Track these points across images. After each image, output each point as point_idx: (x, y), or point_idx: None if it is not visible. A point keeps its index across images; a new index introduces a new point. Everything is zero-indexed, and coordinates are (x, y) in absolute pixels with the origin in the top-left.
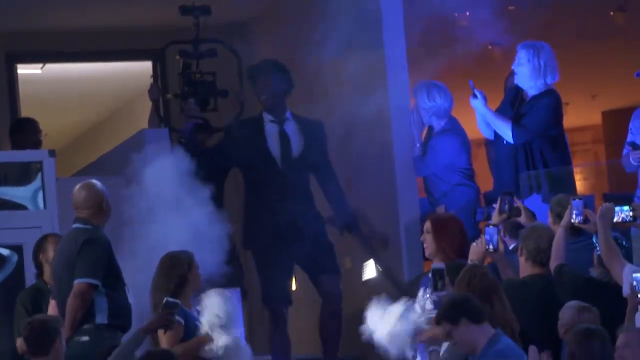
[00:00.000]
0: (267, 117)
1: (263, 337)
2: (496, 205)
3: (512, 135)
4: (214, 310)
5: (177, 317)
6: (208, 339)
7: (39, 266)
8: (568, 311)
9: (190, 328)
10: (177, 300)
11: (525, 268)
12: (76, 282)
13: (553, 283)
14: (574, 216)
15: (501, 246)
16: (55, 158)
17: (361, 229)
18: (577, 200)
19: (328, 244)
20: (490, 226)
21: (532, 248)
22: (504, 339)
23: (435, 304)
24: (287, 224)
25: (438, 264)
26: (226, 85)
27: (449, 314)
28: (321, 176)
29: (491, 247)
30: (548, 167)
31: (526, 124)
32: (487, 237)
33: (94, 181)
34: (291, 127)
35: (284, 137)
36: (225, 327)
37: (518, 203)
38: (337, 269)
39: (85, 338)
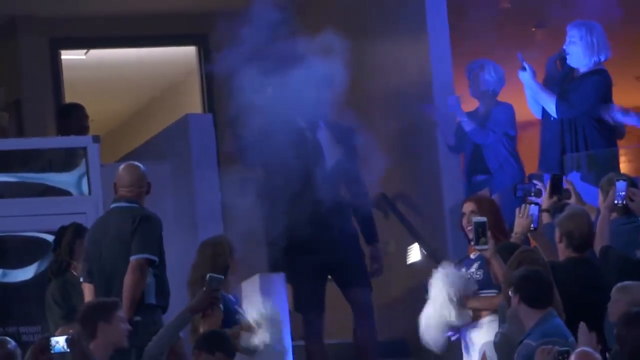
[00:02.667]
0: (301, 123)
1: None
2: (539, 185)
3: (556, 109)
4: (258, 302)
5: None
6: (252, 328)
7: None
8: (616, 295)
9: (230, 313)
10: (221, 276)
11: (565, 254)
12: (135, 257)
13: (595, 266)
14: (617, 197)
15: (541, 225)
16: (100, 144)
17: (404, 213)
18: (621, 181)
19: (361, 259)
20: (532, 204)
21: (572, 235)
22: (554, 319)
23: (479, 283)
24: (319, 237)
25: (480, 217)
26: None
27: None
28: (350, 189)
29: (532, 226)
30: (591, 148)
31: (571, 99)
32: (531, 213)
33: (138, 163)
34: (324, 136)
35: (316, 147)
36: (269, 319)
37: (568, 185)
38: (369, 283)
39: (137, 318)
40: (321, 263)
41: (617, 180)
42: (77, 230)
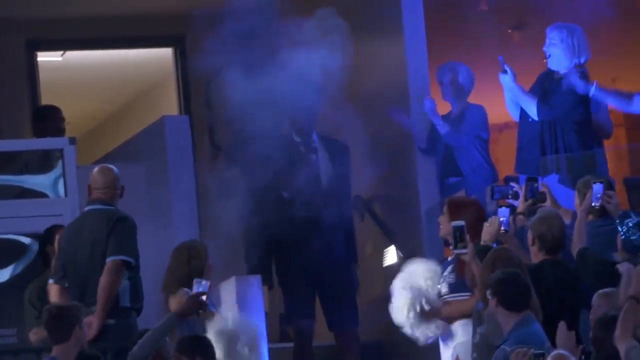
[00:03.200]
0: (295, 138)
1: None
2: (516, 187)
3: (537, 111)
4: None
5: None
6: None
7: (46, 258)
8: (596, 300)
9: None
10: (207, 280)
11: (538, 257)
12: (111, 259)
13: (568, 268)
14: (594, 199)
15: (512, 228)
16: (76, 145)
17: (380, 216)
18: (598, 183)
19: (352, 287)
20: (503, 207)
21: (544, 237)
22: (533, 324)
23: (450, 286)
24: (312, 258)
25: (458, 221)
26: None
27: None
28: (338, 208)
29: (502, 228)
30: (570, 150)
31: (552, 101)
32: (500, 218)
33: (111, 166)
34: (320, 154)
35: (313, 166)
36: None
37: (544, 188)
38: (356, 317)
39: (111, 321)
40: (312, 275)
41: (594, 182)
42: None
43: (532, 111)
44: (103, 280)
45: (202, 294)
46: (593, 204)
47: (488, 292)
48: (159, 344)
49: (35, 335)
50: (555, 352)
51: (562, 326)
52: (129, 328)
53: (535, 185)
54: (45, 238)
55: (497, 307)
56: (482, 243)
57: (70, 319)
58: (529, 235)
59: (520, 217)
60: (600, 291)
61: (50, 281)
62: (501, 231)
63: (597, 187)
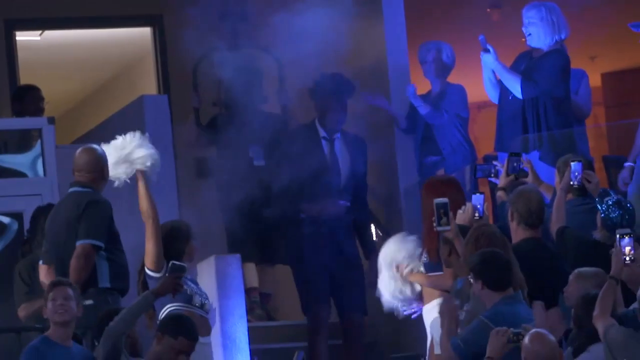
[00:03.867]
0: (320, 129)
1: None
2: (499, 166)
3: (521, 89)
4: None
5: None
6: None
7: (35, 237)
8: (573, 280)
9: (184, 295)
10: (184, 264)
11: (518, 233)
12: (79, 243)
13: (549, 248)
14: (573, 178)
15: (487, 213)
16: (55, 125)
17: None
18: (576, 162)
19: (361, 282)
20: (477, 194)
21: (523, 211)
22: (516, 303)
23: (425, 266)
24: (326, 253)
25: (442, 199)
26: (267, 90)
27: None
28: (354, 204)
29: (477, 214)
30: (552, 128)
31: (536, 78)
32: (474, 203)
33: (96, 146)
34: (340, 147)
35: (333, 158)
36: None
37: (526, 164)
38: (364, 308)
39: (89, 302)
40: (325, 273)
41: (573, 161)
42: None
43: (516, 89)
44: (71, 264)
45: (179, 275)
46: (572, 183)
47: (470, 276)
48: (135, 321)
49: (24, 310)
50: (533, 330)
51: (537, 306)
52: (109, 308)
53: (518, 160)
54: (35, 217)
55: (482, 290)
56: None
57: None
58: (509, 212)
59: (501, 192)
60: (576, 271)
61: (40, 262)
62: (475, 217)
63: (576, 166)
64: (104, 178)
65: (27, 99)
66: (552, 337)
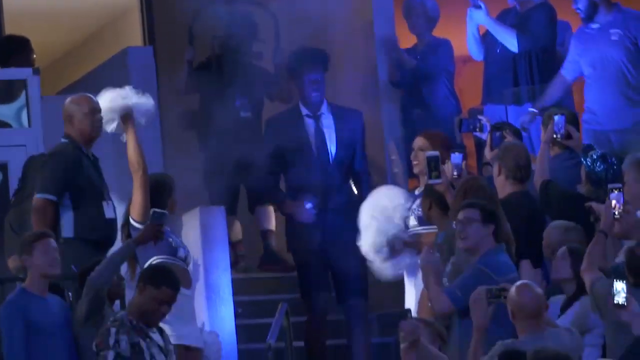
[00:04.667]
0: (303, 109)
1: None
2: (484, 120)
3: (517, 42)
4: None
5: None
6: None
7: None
8: (554, 232)
9: (164, 243)
10: (165, 211)
11: (505, 187)
12: (35, 197)
13: (536, 200)
14: (556, 131)
15: (464, 172)
16: (40, 76)
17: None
18: (559, 115)
19: (361, 264)
20: (456, 153)
21: (511, 166)
22: (502, 254)
23: (420, 219)
24: (324, 235)
25: (433, 152)
26: (262, 47)
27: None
28: (355, 178)
29: (455, 173)
30: (545, 81)
31: (532, 29)
32: (454, 162)
33: (87, 95)
34: (328, 123)
35: (319, 135)
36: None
37: (509, 138)
38: (365, 292)
39: None
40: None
41: (556, 114)
42: None
43: (512, 43)
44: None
45: (160, 223)
46: (555, 136)
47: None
48: (117, 271)
49: (15, 262)
50: (519, 282)
51: (524, 264)
52: (74, 259)
53: (500, 134)
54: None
55: (478, 226)
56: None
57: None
58: (495, 167)
59: (488, 167)
60: (552, 223)
61: None
62: (454, 176)
63: (559, 119)
64: (91, 129)
65: (16, 52)
66: (538, 288)
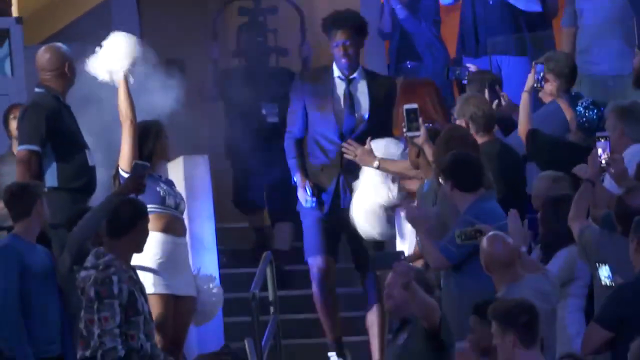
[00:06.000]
0: (335, 69)
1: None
2: (472, 68)
3: None
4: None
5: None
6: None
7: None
8: (543, 182)
9: (152, 192)
10: (147, 163)
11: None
12: (17, 149)
13: (509, 147)
14: (537, 79)
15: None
16: (23, 25)
17: None
18: (539, 64)
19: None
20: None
21: (477, 116)
22: (489, 201)
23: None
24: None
25: (411, 104)
26: (288, 43)
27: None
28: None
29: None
30: (533, 29)
31: None
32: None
33: (60, 44)
34: (360, 88)
35: (350, 99)
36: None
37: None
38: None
39: None
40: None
41: (536, 62)
42: None
43: None
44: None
45: (142, 174)
46: (535, 85)
47: (441, 177)
48: (99, 224)
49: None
50: (490, 233)
51: (512, 214)
52: (59, 208)
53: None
54: (4, 118)
55: (452, 191)
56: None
57: (31, 196)
58: (462, 122)
59: None
60: (540, 174)
61: None
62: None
63: (539, 67)
64: (64, 77)
65: None
66: (509, 239)
